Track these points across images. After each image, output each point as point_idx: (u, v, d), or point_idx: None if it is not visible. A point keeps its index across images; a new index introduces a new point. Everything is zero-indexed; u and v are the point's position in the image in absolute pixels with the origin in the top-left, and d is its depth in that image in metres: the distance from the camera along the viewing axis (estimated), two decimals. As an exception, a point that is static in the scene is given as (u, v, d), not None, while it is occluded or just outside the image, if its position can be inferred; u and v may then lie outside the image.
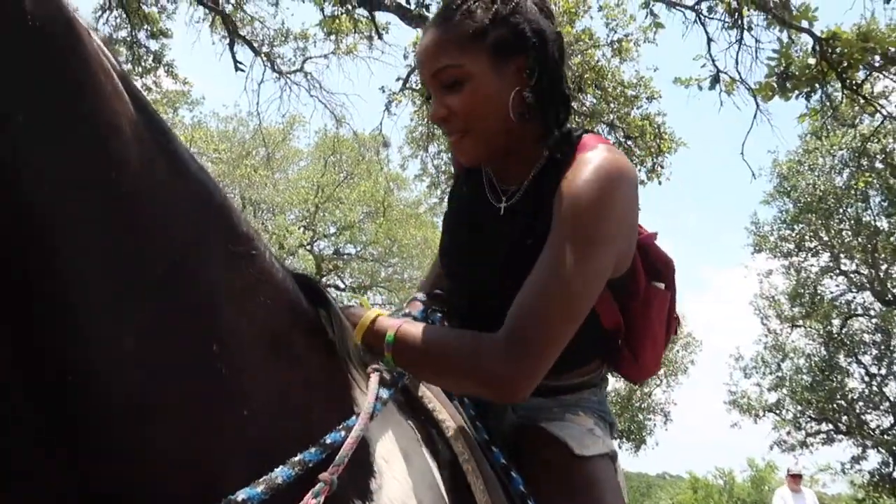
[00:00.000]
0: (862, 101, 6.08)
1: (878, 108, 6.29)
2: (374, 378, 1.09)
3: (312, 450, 0.94)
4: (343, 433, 0.98)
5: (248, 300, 0.95)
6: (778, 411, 15.47)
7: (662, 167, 9.07)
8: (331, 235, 17.11)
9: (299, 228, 16.04)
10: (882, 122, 7.31)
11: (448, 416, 1.26)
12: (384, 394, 1.08)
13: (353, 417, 1.01)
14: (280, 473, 0.88)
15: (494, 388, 1.10)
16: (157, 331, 0.82)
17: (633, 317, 1.40)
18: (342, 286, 17.16)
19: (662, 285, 1.41)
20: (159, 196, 0.85)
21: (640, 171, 9.02)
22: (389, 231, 16.72)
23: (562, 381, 1.43)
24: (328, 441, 0.96)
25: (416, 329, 1.16)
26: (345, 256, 17.14)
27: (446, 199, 1.61)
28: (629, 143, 8.86)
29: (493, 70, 1.23)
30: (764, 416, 15.56)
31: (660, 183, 8.90)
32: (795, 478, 8.73)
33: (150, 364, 0.81)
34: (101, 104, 0.78)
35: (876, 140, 12.82)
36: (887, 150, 12.06)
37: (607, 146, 1.24)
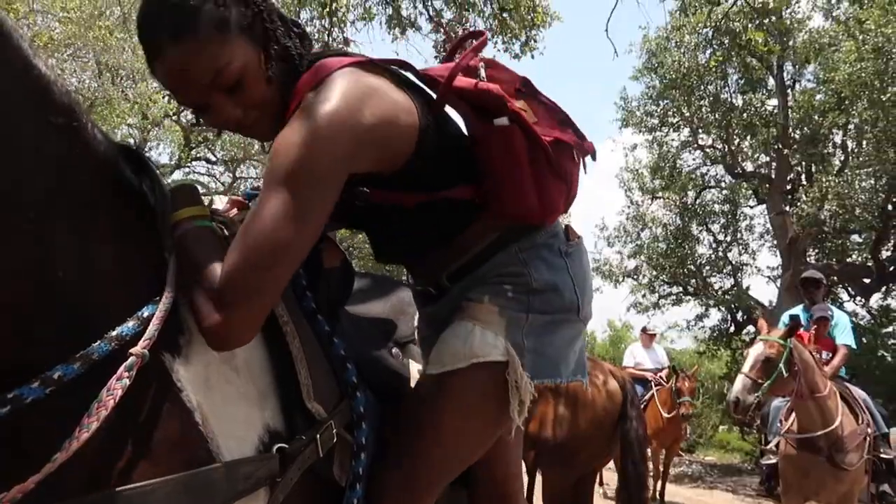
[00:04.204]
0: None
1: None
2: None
3: (130, 323, 0.92)
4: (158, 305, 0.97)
5: (66, 171, 0.91)
6: (635, 276, 16.60)
7: (536, 41, 9.10)
8: (200, 105, 16.05)
9: (164, 97, 15.00)
10: (734, 4, 7.59)
11: None
12: None
13: (168, 289, 1.00)
14: (97, 349, 0.87)
15: (207, 338, 1.05)
16: None
17: (486, 165, 1.37)
18: (213, 159, 16.42)
19: (505, 120, 1.30)
20: None
21: (514, 45, 9.03)
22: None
23: (449, 270, 1.46)
24: (145, 315, 0.95)
25: (194, 246, 1.11)
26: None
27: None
28: (504, 15, 8.79)
29: (248, 47, 1.19)
30: (623, 280, 16.66)
31: (532, 57, 8.96)
32: (649, 336, 9.44)
33: None
34: None
35: (736, 20, 13.30)
36: (742, 29, 12.47)
37: (334, 79, 1.17)
